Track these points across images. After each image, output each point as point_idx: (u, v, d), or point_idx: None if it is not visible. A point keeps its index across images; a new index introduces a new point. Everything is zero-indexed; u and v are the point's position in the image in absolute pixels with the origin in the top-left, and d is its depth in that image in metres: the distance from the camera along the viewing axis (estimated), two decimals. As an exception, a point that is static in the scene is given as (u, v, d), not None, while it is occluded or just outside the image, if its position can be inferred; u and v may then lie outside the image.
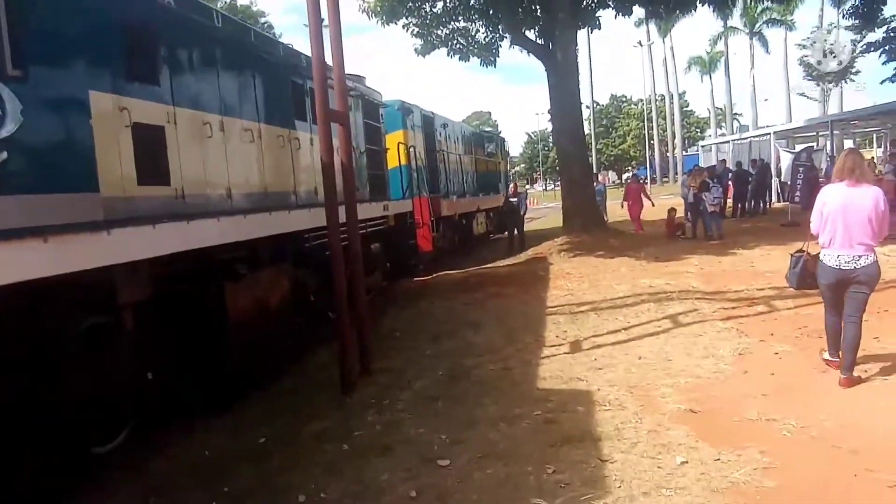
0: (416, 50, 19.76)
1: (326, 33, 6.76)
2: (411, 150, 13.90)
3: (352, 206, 6.57)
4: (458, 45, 19.92)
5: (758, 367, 5.95)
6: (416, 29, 19.27)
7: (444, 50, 19.79)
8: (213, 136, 6.51)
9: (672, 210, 17.20)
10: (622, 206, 20.04)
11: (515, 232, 19.15)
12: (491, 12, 18.39)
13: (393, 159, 13.19)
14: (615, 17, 18.44)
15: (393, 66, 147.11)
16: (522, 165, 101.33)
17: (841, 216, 5.33)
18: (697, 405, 5.10)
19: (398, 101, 14.95)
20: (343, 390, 6.15)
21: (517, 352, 7.16)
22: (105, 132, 4.78)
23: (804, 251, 6.16)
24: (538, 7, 17.50)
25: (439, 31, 19.64)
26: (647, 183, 39.50)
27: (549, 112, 17.64)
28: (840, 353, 5.65)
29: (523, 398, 5.60)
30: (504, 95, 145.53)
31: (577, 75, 16.42)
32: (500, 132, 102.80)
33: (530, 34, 18.37)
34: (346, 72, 12.25)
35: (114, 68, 5.11)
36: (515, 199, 19.49)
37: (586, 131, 24.51)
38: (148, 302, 5.28)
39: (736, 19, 55.41)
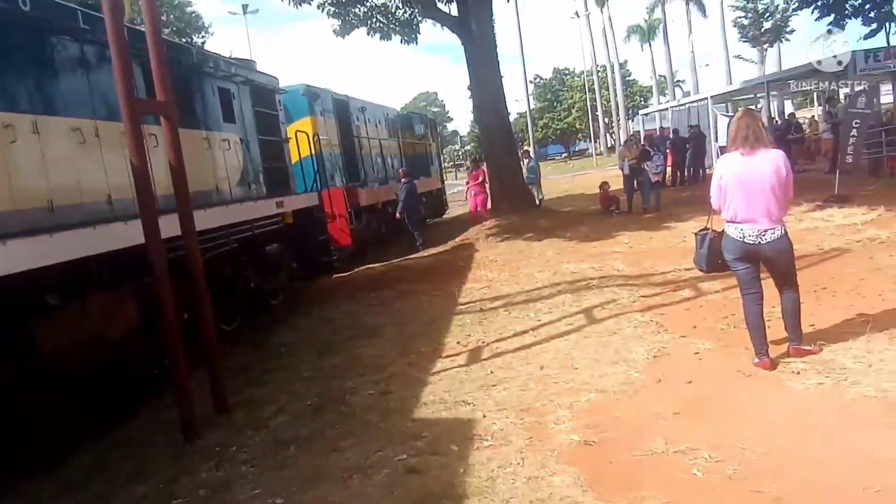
0: (334, 31, 18.53)
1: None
2: (317, 137, 12.71)
3: (186, 214, 5.43)
4: (377, 24, 18.71)
5: (674, 372, 5.03)
6: (332, 9, 18.04)
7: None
8: (20, 140, 5.31)
9: (604, 183, 16.34)
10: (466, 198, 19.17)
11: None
12: (404, -15, 17.25)
13: (300, 149, 12.04)
14: (537, -17, 17.44)
15: (334, 59, 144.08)
16: (472, 144, 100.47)
17: (738, 188, 4.73)
18: (595, 434, 4.15)
19: (302, 86, 13.73)
20: (185, 438, 5.07)
21: (407, 366, 6.15)
22: None
23: (709, 228, 5.32)
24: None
25: (356, 10, 18.41)
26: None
27: (468, 89, 16.51)
28: (767, 347, 4.91)
29: (392, 434, 4.59)
30: (452, 76, 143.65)
31: (495, 48, 15.39)
32: (447, 112, 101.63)
33: (448, 8, 17.29)
34: (236, 56, 11.19)
35: None
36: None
37: (523, 108, 23.50)
38: None
39: (672, -15, 54.92)
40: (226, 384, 5.70)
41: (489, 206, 17.02)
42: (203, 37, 44.00)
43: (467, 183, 18.15)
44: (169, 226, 5.75)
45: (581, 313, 7.03)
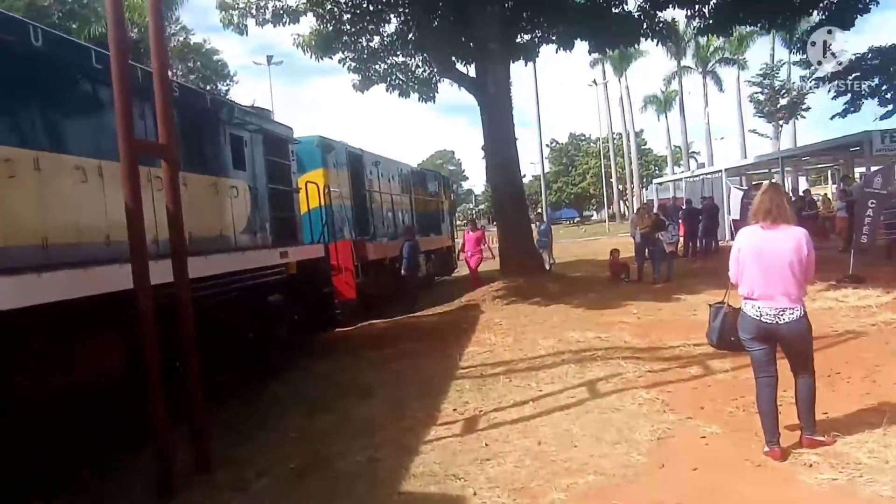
0: (353, 86, 18.82)
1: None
2: (327, 189, 12.67)
3: (180, 259, 5.29)
4: (396, 81, 19.01)
5: (678, 457, 4.76)
6: (353, 64, 18.32)
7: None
8: (19, 175, 5.20)
9: (615, 251, 16.18)
10: (459, 258, 19.45)
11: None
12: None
13: (310, 200, 11.99)
14: (556, 51, 17.59)
15: (356, 113, 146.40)
16: (486, 204, 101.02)
17: (756, 263, 4.56)
18: (591, 521, 3.90)
19: (316, 137, 13.75)
20: (159, 497, 4.82)
21: (400, 432, 5.89)
22: None
23: (724, 303, 5.12)
24: (469, 39, 16.54)
25: (377, 67, 18.70)
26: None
27: (482, 149, 16.57)
28: (779, 436, 4.65)
29: (376, 509, 4.35)
30: (469, 136, 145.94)
31: (510, 110, 15.48)
32: (462, 171, 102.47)
33: (467, 69, 17.50)
34: (250, 104, 11.22)
35: None
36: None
37: (538, 171, 23.75)
38: None
39: (689, 59, 55.81)
40: (209, 441, 5.45)
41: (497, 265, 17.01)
42: (228, 84, 44.78)
43: (463, 246, 18.21)
44: (166, 270, 5.61)
45: (584, 386, 6.78)
